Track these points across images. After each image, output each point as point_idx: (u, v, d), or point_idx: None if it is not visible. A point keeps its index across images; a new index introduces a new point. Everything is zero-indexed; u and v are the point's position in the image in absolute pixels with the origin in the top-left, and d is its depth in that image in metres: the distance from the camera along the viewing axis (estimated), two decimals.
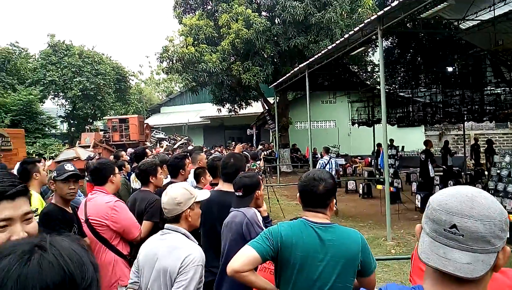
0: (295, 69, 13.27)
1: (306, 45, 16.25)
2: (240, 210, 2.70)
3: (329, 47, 10.65)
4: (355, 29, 8.91)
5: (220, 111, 22.89)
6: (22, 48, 29.07)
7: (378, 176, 14.95)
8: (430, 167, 10.92)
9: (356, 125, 19.29)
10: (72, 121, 29.82)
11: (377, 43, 17.35)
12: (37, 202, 3.78)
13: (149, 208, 3.38)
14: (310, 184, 2.02)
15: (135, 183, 6.33)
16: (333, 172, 11.21)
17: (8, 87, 24.42)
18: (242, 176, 2.84)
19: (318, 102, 23.62)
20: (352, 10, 16.54)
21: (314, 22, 15.81)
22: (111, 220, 3.12)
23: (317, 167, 12.00)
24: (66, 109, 29.47)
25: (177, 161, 4.19)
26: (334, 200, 2.12)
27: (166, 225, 2.32)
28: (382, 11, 7.49)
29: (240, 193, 2.75)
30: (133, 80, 37.15)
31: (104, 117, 28.61)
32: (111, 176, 3.37)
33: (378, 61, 19.22)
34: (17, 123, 20.99)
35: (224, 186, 3.17)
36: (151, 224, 3.33)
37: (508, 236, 1.01)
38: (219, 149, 19.61)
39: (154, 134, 26.06)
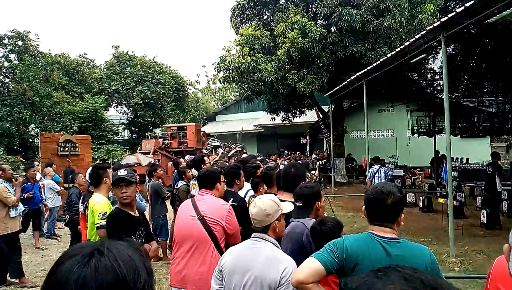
0: (352, 78, 13.06)
1: (364, 53, 15.94)
2: (300, 221, 2.70)
3: (388, 55, 10.38)
4: (416, 36, 8.62)
5: (274, 120, 23.00)
6: (89, 59, 31.04)
7: (439, 188, 14.29)
8: (497, 180, 10.25)
9: (416, 135, 18.56)
10: (133, 128, 31.26)
11: (438, 50, 16.78)
12: (106, 206, 4.00)
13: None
14: (378, 197, 1.98)
15: (193, 190, 6.52)
16: (382, 180, 10.95)
17: (77, 96, 26.09)
18: (303, 186, 2.84)
19: (375, 111, 23.03)
20: (412, 16, 16.00)
21: (372, 29, 15.48)
22: (226, 222, 3.18)
23: (368, 176, 11.75)
24: (128, 117, 30.96)
25: (232, 171, 4.21)
26: (402, 215, 2.06)
27: (255, 234, 2.37)
28: (446, 18, 7.18)
29: (300, 204, 2.75)
30: (190, 89, 38.37)
31: (163, 125, 29.73)
32: (218, 183, 3.47)
33: (439, 68, 18.60)
34: (84, 129, 22.39)
35: (284, 196, 3.18)
36: None
37: None
38: (272, 158, 19.69)
39: (210, 141, 26.64)
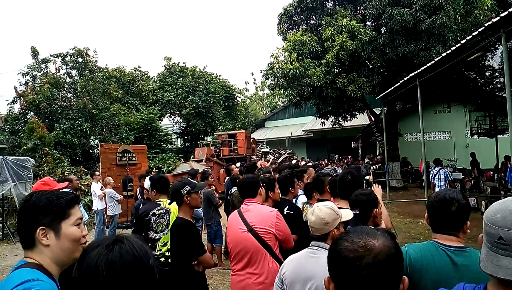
0: (405, 79, 12.65)
1: (416, 53, 15.41)
2: None
3: (443, 54, 9.97)
4: (474, 34, 8.23)
5: (324, 124, 22.74)
6: (143, 72, 32.36)
7: (503, 192, 13.45)
8: None
9: (476, 136, 17.60)
10: (186, 137, 32.13)
11: (497, 46, 15.87)
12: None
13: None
14: (442, 205, 1.92)
15: None
16: (442, 183, 10.54)
17: (132, 107, 27.26)
18: (359, 193, 2.80)
19: (430, 112, 22.11)
20: (467, 12, 15.26)
21: (424, 28, 14.93)
22: (277, 229, 3.16)
23: (430, 178, 11.37)
24: (181, 126, 31.89)
25: (286, 179, 4.16)
26: (468, 222, 1.98)
27: (314, 242, 2.37)
28: (506, 12, 6.81)
29: (357, 211, 2.72)
30: (239, 97, 38.87)
31: (214, 133, 30.33)
32: (259, 189, 3.49)
33: (499, 65, 17.56)
34: (140, 139, 23.33)
35: (341, 203, 3.15)
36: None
37: None
38: (323, 163, 19.45)
39: (259, 148, 26.82)
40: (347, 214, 2.53)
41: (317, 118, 22.67)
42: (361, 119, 23.81)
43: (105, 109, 21.60)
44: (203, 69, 32.19)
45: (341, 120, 21.91)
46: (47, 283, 1.43)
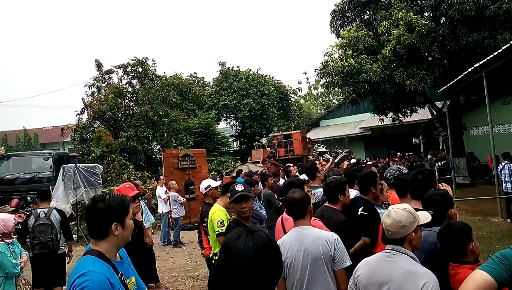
0: (469, 70, 11.97)
1: (480, 42, 14.56)
2: (433, 230, 2.59)
3: (511, 42, 9.34)
4: None
5: (383, 121, 22.09)
6: (199, 78, 33.29)
7: None
8: None
9: None
10: (242, 139, 32.59)
11: None
12: (223, 214, 4.38)
13: (337, 229, 3.28)
14: None
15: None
16: (507, 179, 9.88)
17: (190, 112, 28.13)
18: (432, 193, 2.72)
19: (498, 104, 20.69)
20: None
21: (488, 15, 14.07)
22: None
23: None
24: (236, 129, 32.42)
25: (368, 178, 3.98)
26: None
27: (390, 246, 2.32)
28: None
29: (431, 212, 2.63)
30: (293, 97, 38.76)
31: (269, 134, 30.49)
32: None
33: None
34: (199, 143, 24.01)
35: (413, 204, 3.06)
36: None
37: None
38: (384, 161, 18.88)
39: (316, 147, 26.58)
40: (425, 216, 2.44)
41: (375, 114, 22.08)
42: (422, 114, 22.86)
43: (165, 116, 22.50)
44: (257, 72, 32.50)
45: (400, 115, 21.19)
46: (99, 273, 1.91)
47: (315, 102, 50.78)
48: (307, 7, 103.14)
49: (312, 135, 33.34)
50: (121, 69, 23.88)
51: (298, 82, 68.06)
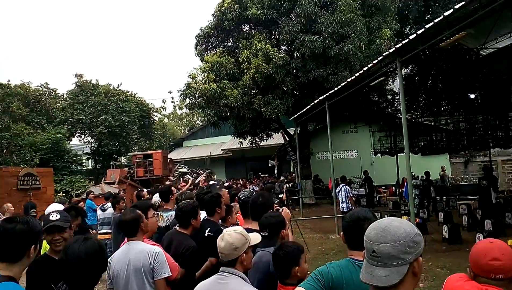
0: (315, 102, 13.39)
1: (326, 77, 16.41)
2: (266, 250, 2.72)
3: (349, 80, 10.74)
4: (374, 62, 9.02)
5: (242, 144, 23.10)
6: (51, 89, 30.33)
7: (403, 206, 14.70)
8: (492, 194, 10.97)
9: (379, 154, 19.09)
10: (97, 158, 30.52)
11: (396, 72, 17.48)
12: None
13: (186, 255, 3.41)
14: (356, 224, 2.00)
15: (161, 221, 6.43)
16: (343, 199, 11.24)
17: (38, 126, 25.34)
18: (268, 215, 2.87)
19: (339, 132, 23.59)
20: (370, 41, 16.69)
21: (332, 54, 16.00)
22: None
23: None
24: (92, 146, 30.26)
25: (213, 200, 4.11)
26: None
27: (223, 268, 2.36)
28: (400, 44, 7.58)
29: (266, 233, 2.78)
30: (156, 116, 38.03)
31: (128, 153, 29.19)
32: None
33: (399, 89, 19.33)
34: (46, 161, 21.58)
35: (253, 225, 3.20)
36: (184, 271, 3.34)
37: (419, 248, 1.38)
38: (241, 182, 19.64)
39: (177, 168, 26.34)
40: (255, 237, 2.56)
41: (235, 137, 22.99)
42: (277, 139, 24.62)
43: (6, 129, 19.81)
44: (117, 87, 31.10)
45: (258, 139, 22.45)
46: None
47: (179, 122, 50.67)
48: (173, 26, 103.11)
49: (175, 155, 33.03)
50: None
51: (163, 101, 67.14)
